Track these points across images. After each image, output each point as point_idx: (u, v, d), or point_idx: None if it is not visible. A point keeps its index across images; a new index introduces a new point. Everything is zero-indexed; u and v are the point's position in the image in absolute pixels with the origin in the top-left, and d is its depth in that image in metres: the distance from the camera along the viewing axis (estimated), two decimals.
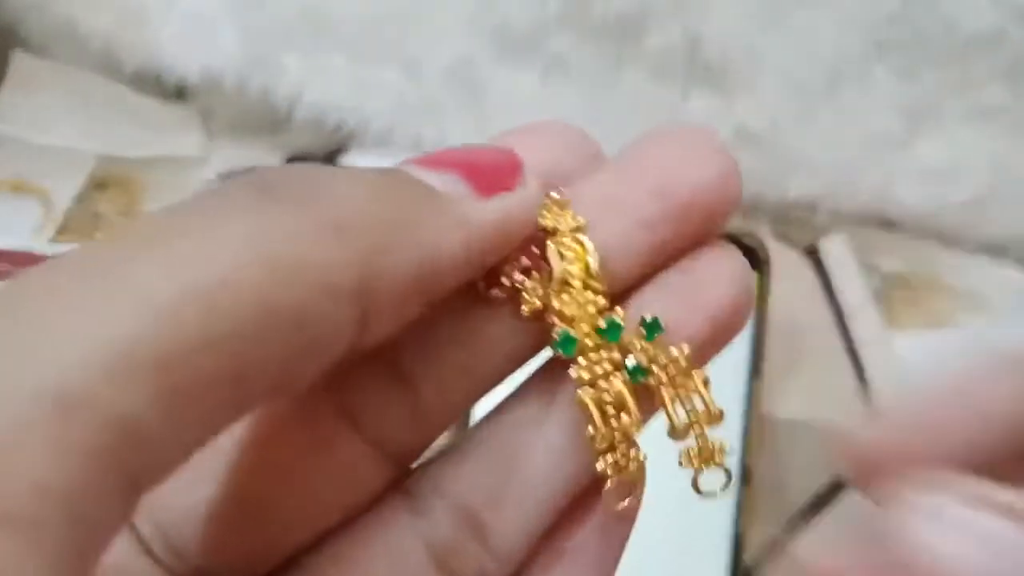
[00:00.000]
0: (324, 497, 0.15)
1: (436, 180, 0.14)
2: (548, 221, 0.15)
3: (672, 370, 0.15)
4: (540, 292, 0.15)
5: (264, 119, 0.50)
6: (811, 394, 0.39)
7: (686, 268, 0.15)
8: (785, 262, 0.42)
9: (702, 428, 0.15)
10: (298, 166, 0.13)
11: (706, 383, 0.15)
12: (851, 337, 0.41)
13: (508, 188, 0.14)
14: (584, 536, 0.16)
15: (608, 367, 0.15)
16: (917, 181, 0.52)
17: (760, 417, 0.36)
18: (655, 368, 0.15)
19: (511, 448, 0.15)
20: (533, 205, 0.15)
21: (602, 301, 0.15)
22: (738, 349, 0.36)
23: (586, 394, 0.15)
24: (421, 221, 0.13)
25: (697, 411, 0.15)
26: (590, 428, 0.15)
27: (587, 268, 0.15)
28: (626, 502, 0.15)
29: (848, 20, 0.48)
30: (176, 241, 0.11)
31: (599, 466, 0.15)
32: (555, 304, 0.15)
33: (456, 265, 0.13)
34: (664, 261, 0.15)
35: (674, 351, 0.15)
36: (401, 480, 0.15)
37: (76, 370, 0.10)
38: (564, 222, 0.15)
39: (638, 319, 0.15)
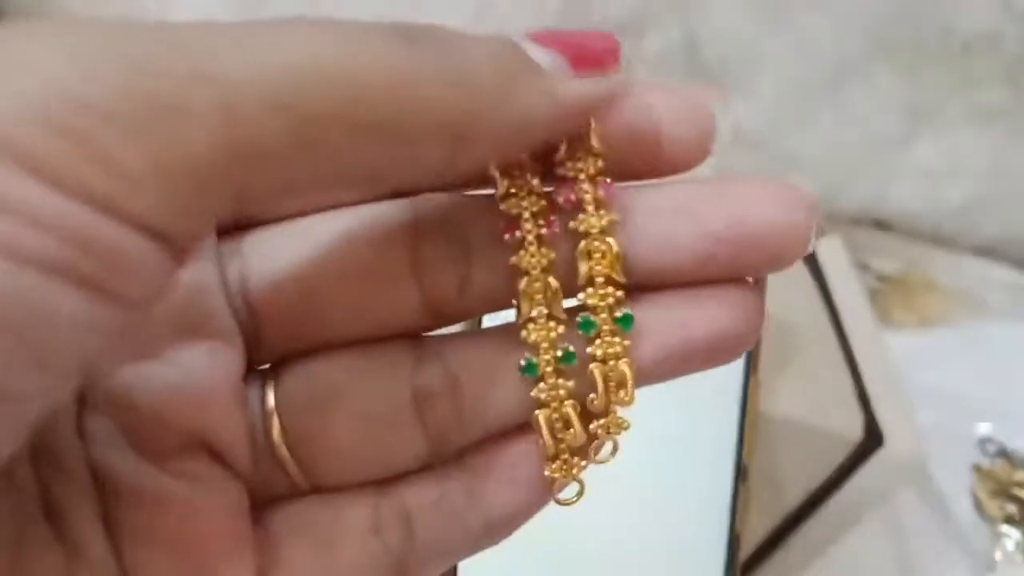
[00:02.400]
0: (366, 304, 0.18)
1: (543, 57, 0.16)
2: (581, 225, 0.17)
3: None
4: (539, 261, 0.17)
5: None
6: (806, 392, 0.39)
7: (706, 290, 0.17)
8: None
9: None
10: (434, 26, 0.15)
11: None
12: (845, 336, 0.42)
13: (603, 69, 0.16)
14: (519, 457, 0.18)
15: (562, 394, 0.17)
16: (914, 182, 0.52)
17: (755, 415, 0.36)
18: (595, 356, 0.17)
19: (501, 355, 0.17)
20: (616, 91, 0.17)
21: (562, 329, 0.17)
22: None
23: (541, 414, 0.17)
24: (523, 88, 0.15)
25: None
26: (540, 441, 0.17)
27: (613, 261, 0.17)
28: (565, 491, 0.18)
29: (847, 21, 0.49)
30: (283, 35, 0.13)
31: (546, 472, 0.17)
32: (523, 334, 0.17)
33: (541, 129, 0.16)
34: (705, 279, 0.17)
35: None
36: (418, 336, 0.18)
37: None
38: (595, 223, 0.17)
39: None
